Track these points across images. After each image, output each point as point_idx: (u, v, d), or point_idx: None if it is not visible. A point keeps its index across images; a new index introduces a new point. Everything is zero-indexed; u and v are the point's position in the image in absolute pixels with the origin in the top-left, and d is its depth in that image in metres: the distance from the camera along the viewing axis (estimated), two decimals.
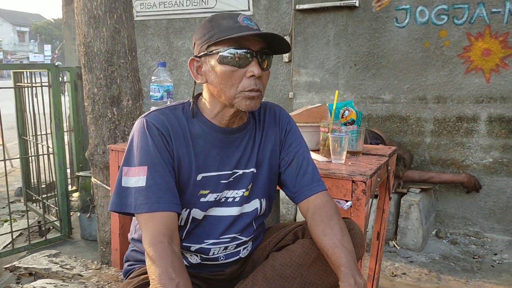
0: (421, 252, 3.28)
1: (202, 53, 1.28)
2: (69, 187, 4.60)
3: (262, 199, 1.44)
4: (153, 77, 2.12)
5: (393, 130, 3.81)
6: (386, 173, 2.04)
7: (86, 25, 2.19)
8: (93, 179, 2.39)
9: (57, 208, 3.58)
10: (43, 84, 3.42)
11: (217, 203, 1.36)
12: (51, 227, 3.75)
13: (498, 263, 3.12)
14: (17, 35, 51.19)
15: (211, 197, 1.34)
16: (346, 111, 2.04)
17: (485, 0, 3.41)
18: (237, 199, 1.38)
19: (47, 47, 41.88)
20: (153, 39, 4.85)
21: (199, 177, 1.31)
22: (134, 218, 1.53)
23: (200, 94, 1.41)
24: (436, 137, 3.68)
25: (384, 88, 3.80)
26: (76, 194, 4.60)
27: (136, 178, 1.23)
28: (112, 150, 2.11)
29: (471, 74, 3.52)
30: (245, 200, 1.40)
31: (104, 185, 2.32)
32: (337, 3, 3.84)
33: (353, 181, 1.65)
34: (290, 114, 1.80)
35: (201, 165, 1.32)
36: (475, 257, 3.23)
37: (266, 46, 1.27)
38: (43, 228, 3.59)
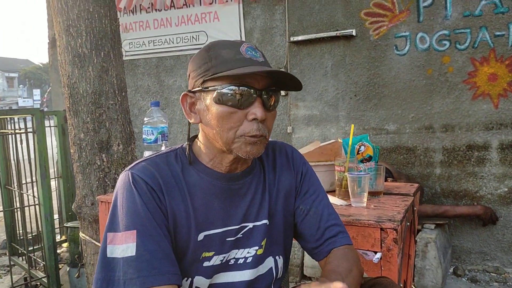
0: None
1: (197, 88, 1.07)
2: (58, 237, 4.32)
3: (277, 257, 1.20)
4: (145, 118, 1.92)
5: (400, 162, 3.61)
6: (412, 215, 1.82)
7: (70, 65, 1.99)
8: (81, 235, 2.14)
9: (44, 263, 3.30)
10: (28, 130, 3.20)
11: (225, 267, 1.12)
12: (39, 284, 3.45)
13: None
14: (5, 81, 51.15)
15: (216, 260, 1.10)
16: (362, 147, 1.83)
17: (488, 24, 3.28)
18: (249, 260, 1.14)
19: (36, 92, 41.88)
20: (143, 78, 4.68)
21: (201, 236, 1.08)
22: None
23: (196, 136, 1.19)
24: (446, 167, 3.48)
25: (387, 118, 3.63)
26: (65, 245, 4.31)
27: (124, 246, 0.99)
28: (102, 201, 1.88)
29: (479, 100, 3.36)
30: (259, 260, 1.16)
31: (94, 241, 2.07)
32: (333, 34, 3.70)
33: (381, 229, 1.43)
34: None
35: (202, 222, 1.09)
36: None
37: (273, 82, 1.06)
38: (29, 285, 3.29)
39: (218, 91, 1.02)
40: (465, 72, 3.37)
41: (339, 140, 1.80)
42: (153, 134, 1.89)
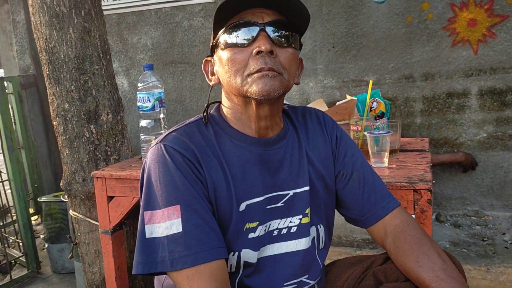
0: None
1: (212, 49, 1.05)
2: None
3: (318, 226, 1.13)
4: (139, 84, 1.74)
5: None
6: None
7: (47, 27, 1.74)
8: (72, 213, 1.97)
9: (18, 240, 3.10)
10: None
11: (270, 238, 1.05)
12: (14, 261, 3.25)
13: (511, 243, 2.98)
14: None
15: (261, 231, 1.02)
16: (374, 103, 1.75)
17: None
18: (293, 230, 1.07)
19: None
20: None
21: (243, 206, 1.00)
22: None
23: (220, 102, 1.10)
24: (427, 116, 3.48)
25: (367, 69, 3.55)
26: (34, 218, 4.11)
27: (167, 223, 0.91)
28: (98, 177, 1.72)
29: (458, 47, 3.33)
30: (304, 229, 1.09)
31: (88, 219, 1.92)
32: None
33: (415, 190, 1.37)
34: None
35: (242, 191, 1.01)
36: (485, 239, 3.07)
37: (281, 20, 0.99)
38: (6, 265, 3.10)
39: (222, 36, 0.99)
40: (445, 18, 3.32)
41: (353, 98, 1.70)
42: (149, 101, 1.72)
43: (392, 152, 1.69)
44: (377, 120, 1.72)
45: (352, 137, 1.66)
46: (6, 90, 3.55)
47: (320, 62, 3.66)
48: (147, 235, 0.92)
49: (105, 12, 4.23)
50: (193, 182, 0.94)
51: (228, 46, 0.97)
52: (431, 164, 3.26)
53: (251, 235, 1.01)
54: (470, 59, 3.31)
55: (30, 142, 3.92)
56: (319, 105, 1.90)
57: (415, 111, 3.50)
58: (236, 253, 1.00)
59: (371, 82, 1.56)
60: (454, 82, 3.37)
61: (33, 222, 4.12)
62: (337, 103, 1.70)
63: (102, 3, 4.18)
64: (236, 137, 1.04)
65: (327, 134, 1.18)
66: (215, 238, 0.92)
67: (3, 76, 4.68)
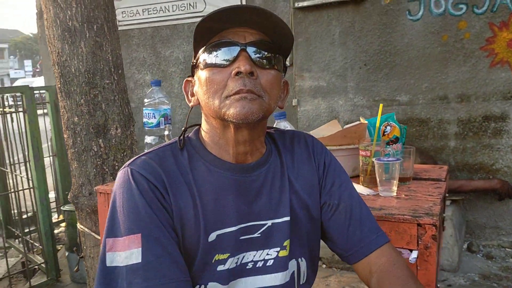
0: (458, 272, 2.91)
1: (192, 68, 1.01)
2: (55, 216, 4.20)
3: (299, 259, 1.05)
4: (146, 100, 1.72)
5: (412, 134, 3.44)
6: (443, 203, 1.65)
7: (59, 41, 1.77)
8: (79, 226, 1.97)
9: (41, 247, 3.15)
10: (18, 109, 3.01)
11: (242, 271, 0.98)
12: (36, 267, 3.32)
13: None
14: None
15: (232, 263, 0.95)
16: (388, 127, 1.65)
17: None
18: (270, 263, 0.99)
19: (28, 63, 41.19)
20: (138, 49, 4.43)
21: (213, 236, 0.94)
22: None
23: (199, 125, 1.05)
24: (461, 140, 3.31)
25: (399, 88, 3.43)
26: (63, 225, 4.19)
27: (127, 252, 0.86)
28: (101, 192, 1.70)
29: (497, 68, 3.16)
30: (282, 263, 1.00)
31: (93, 233, 1.91)
32: None
33: (419, 224, 1.27)
34: (321, 137, 1.43)
35: (213, 220, 0.94)
36: None
37: (264, 40, 0.94)
38: (27, 270, 3.16)
39: (201, 56, 0.94)
40: (483, 38, 3.16)
41: (364, 121, 1.62)
42: (155, 118, 1.70)
43: (403, 180, 1.59)
44: (389, 146, 1.62)
45: (360, 163, 1.57)
46: (44, 99, 3.68)
47: (351, 79, 3.57)
48: (108, 263, 0.88)
49: (140, 26, 4.33)
50: (157, 210, 0.90)
51: (207, 66, 0.92)
52: (463, 190, 3.10)
53: (220, 268, 0.95)
54: (510, 81, 3.13)
55: (63, 150, 4.00)
56: (333, 126, 1.82)
57: (449, 134, 3.34)
58: (202, 286, 0.95)
59: (381, 106, 1.47)
60: (491, 104, 3.19)
61: (62, 228, 4.22)
62: (345, 126, 1.62)
63: (137, 17, 4.28)
64: (212, 162, 0.98)
65: (315, 160, 1.10)
66: (177, 271, 0.87)
67: (43, 85, 4.84)
